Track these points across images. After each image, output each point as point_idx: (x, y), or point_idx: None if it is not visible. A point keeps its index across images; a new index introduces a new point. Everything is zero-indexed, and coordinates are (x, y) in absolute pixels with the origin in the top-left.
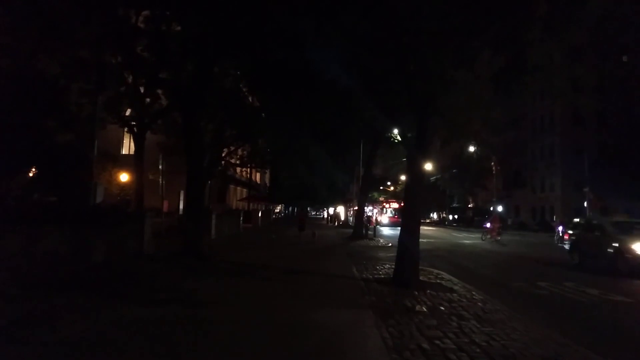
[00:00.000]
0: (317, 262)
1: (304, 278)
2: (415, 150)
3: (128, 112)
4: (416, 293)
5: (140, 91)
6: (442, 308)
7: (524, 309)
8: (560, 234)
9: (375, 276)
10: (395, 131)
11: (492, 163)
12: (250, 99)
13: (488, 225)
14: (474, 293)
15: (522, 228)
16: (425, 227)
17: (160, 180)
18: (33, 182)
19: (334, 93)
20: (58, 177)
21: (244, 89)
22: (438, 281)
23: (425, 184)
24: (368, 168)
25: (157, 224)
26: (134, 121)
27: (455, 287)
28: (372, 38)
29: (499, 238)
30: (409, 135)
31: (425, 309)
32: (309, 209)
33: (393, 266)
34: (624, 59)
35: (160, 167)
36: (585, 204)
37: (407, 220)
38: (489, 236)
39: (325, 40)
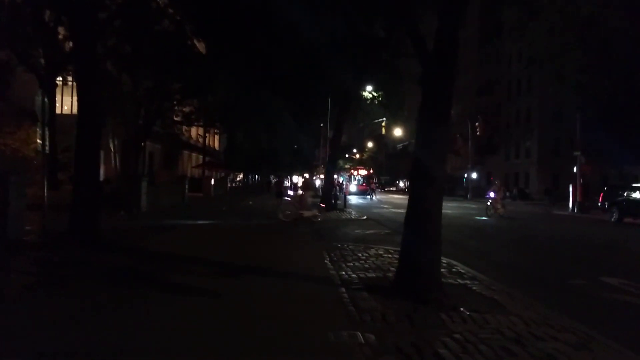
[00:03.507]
0: (275, 249)
1: (249, 285)
2: (437, 64)
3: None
4: (444, 317)
5: (45, 24)
6: None
7: None
8: (490, 202)
9: (362, 274)
10: (369, 88)
11: (477, 124)
12: (197, 45)
13: (492, 195)
14: (535, 311)
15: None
16: (395, 196)
17: (38, 139)
18: None
19: (299, 33)
20: None
21: (189, 33)
22: (460, 281)
23: (448, 127)
24: (338, 131)
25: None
26: (45, 65)
27: (497, 296)
28: None
29: (503, 211)
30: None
31: None
32: (271, 177)
33: (379, 251)
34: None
35: (39, 117)
36: (575, 169)
37: (421, 188)
38: (493, 211)
39: None
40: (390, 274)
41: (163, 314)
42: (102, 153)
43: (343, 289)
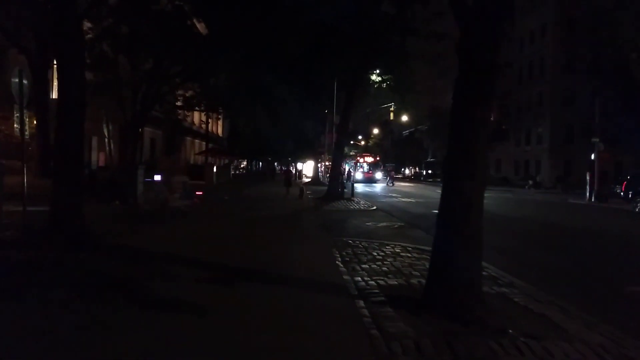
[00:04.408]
0: (278, 244)
1: (245, 297)
2: (480, 22)
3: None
4: (493, 345)
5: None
6: None
7: None
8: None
9: (381, 280)
10: (377, 71)
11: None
12: (197, 25)
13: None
14: (601, 333)
15: (505, 183)
16: (402, 184)
17: (16, 124)
18: None
19: (305, 11)
20: None
21: (188, 12)
22: (496, 289)
23: (491, 105)
24: (344, 116)
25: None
26: (36, 46)
27: (548, 312)
28: None
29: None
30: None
31: None
32: (276, 164)
33: (396, 249)
34: None
35: (16, 99)
36: (593, 156)
37: (459, 180)
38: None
39: None
40: (414, 281)
41: (136, 341)
42: (96, 139)
43: (362, 303)
